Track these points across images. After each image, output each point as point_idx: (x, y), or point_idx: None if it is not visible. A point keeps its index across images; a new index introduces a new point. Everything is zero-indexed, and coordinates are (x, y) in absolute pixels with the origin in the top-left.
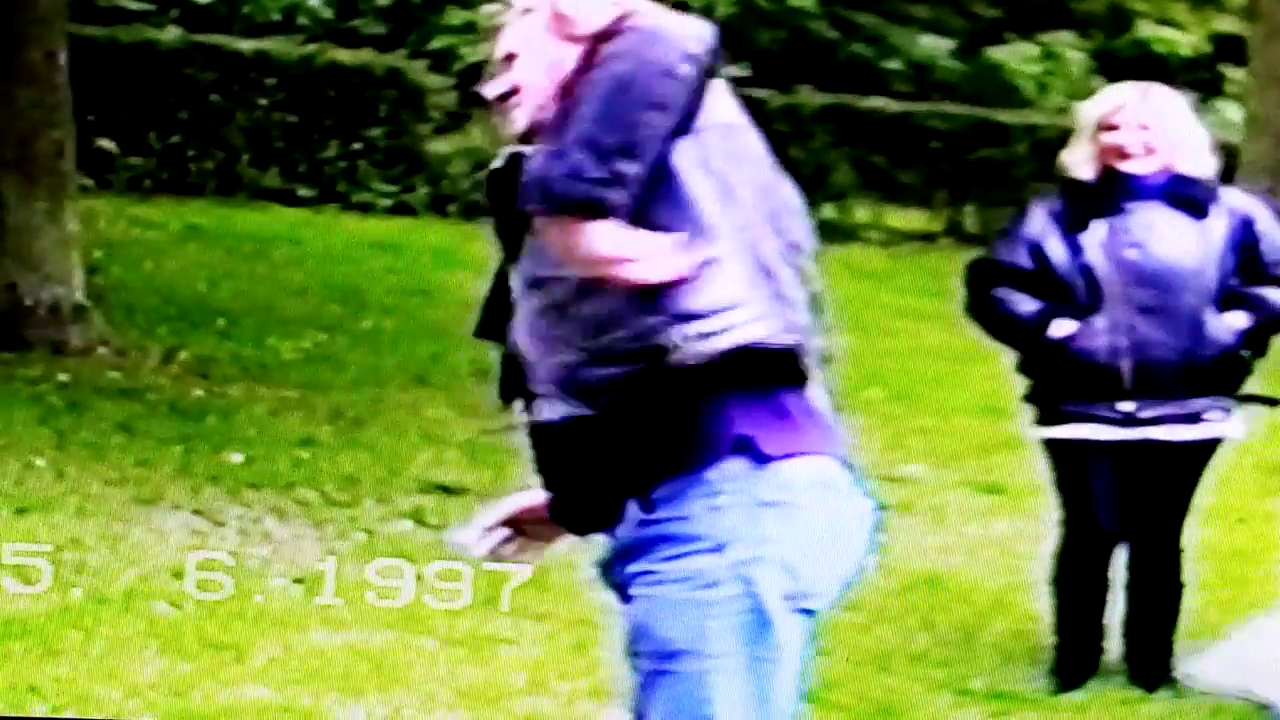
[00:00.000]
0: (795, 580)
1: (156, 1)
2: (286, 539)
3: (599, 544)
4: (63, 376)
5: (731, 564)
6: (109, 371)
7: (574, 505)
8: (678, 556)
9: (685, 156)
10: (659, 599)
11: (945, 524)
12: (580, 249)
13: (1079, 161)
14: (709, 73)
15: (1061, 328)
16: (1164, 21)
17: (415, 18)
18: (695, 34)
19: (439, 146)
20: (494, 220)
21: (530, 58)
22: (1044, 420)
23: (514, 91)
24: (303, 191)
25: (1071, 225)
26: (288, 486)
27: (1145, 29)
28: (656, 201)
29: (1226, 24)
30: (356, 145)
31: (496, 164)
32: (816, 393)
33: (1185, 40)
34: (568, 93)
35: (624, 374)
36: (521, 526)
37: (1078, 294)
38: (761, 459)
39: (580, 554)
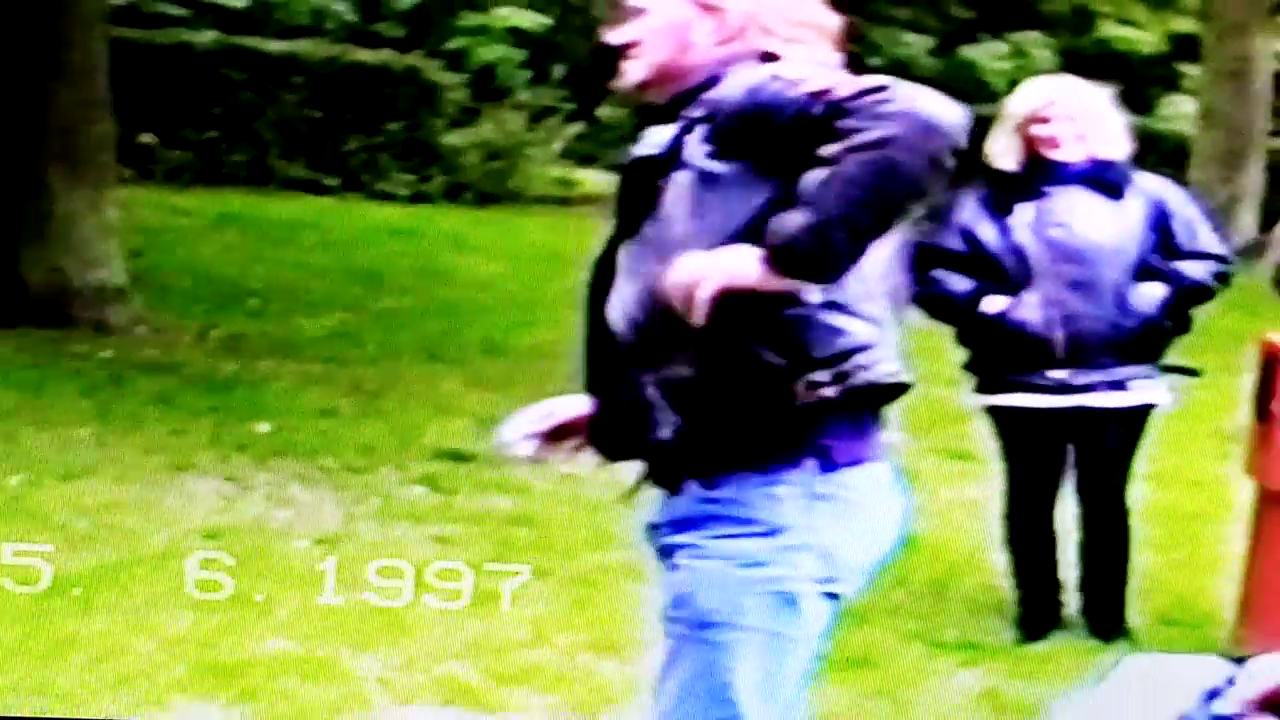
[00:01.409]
0: (830, 566)
1: (193, 7)
2: (309, 503)
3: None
4: (104, 353)
5: (778, 548)
6: (147, 348)
7: (627, 453)
8: (729, 536)
9: None
10: (703, 571)
11: (919, 488)
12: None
13: (1002, 152)
14: None
15: (994, 303)
16: (1125, 21)
17: (432, 21)
18: (960, 123)
19: (453, 139)
20: (622, 198)
21: (658, 16)
22: (984, 389)
23: (635, 44)
24: (328, 181)
25: (999, 209)
26: (311, 454)
27: (1107, 28)
28: None
29: (1183, 24)
30: (377, 138)
31: (648, 151)
32: None
33: (1144, 39)
34: (694, 68)
35: (733, 392)
36: (559, 431)
37: (1010, 272)
38: (831, 466)
39: (580, 515)
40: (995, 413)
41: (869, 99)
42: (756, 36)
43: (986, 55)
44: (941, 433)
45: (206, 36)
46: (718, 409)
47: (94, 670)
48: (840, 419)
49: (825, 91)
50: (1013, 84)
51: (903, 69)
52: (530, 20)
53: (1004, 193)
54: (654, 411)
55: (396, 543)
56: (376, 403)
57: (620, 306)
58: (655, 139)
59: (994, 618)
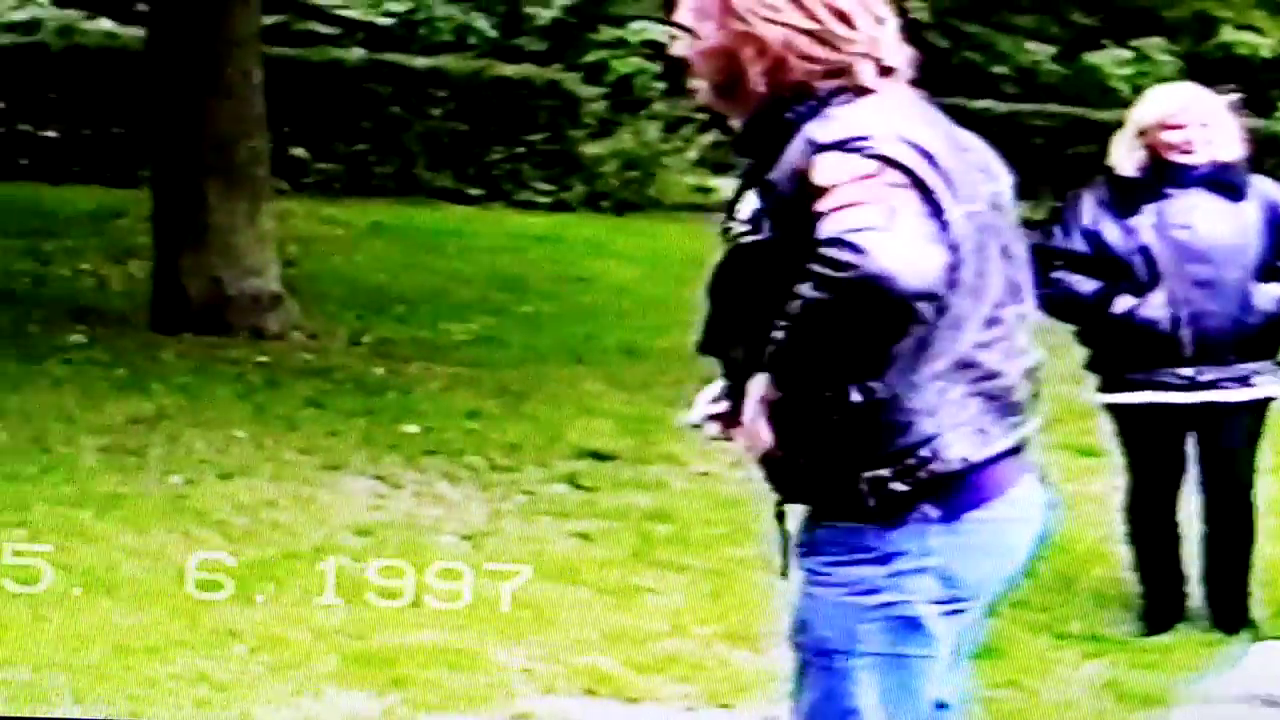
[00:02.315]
0: (950, 587)
1: (343, 25)
2: (457, 500)
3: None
4: (261, 358)
5: (891, 574)
6: (301, 353)
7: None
8: (845, 563)
9: None
10: (820, 598)
11: (1046, 482)
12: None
13: (1125, 156)
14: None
15: (1124, 303)
16: (1245, 26)
17: (572, 35)
18: (925, 279)
19: (592, 149)
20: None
21: (704, 40)
22: (1109, 387)
23: (690, 64)
24: (472, 191)
25: (1122, 211)
26: (458, 454)
27: (1228, 34)
28: None
29: None
30: (519, 149)
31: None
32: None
33: (1265, 43)
34: (751, 95)
35: (810, 478)
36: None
37: (1136, 272)
38: (947, 518)
39: (716, 511)
40: (1119, 409)
41: (833, 252)
42: (801, 66)
43: (1110, 61)
44: (1066, 428)
45: (355, 53)
46: (802, 487)
47: (252, 660)
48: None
49: (821, 218)
50: (1136, 90)
51: (1029, 76)
52: (664, 33)
53: (1126, 195)
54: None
55: (540, 538)
56: (521, 404)
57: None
58: (742, 211)
59: (1118, 610)
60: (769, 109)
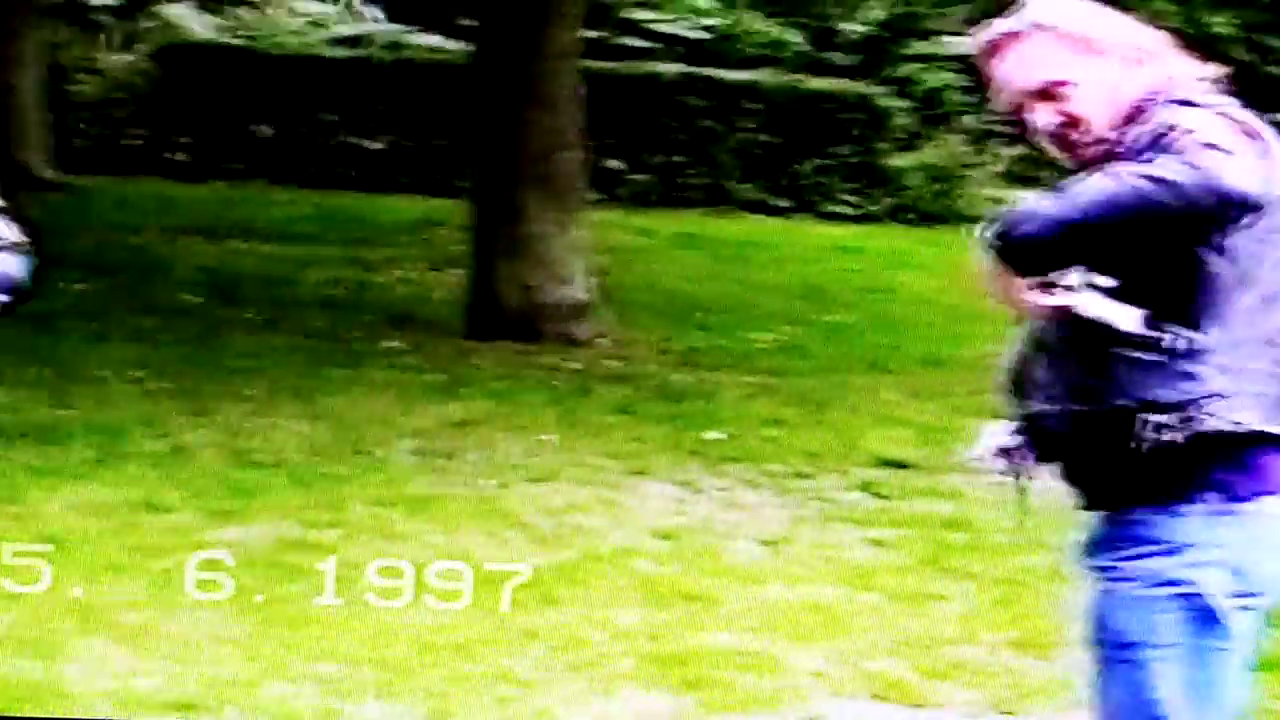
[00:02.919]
0: (1241, 581)
1: (659, 40)
2: (756, 506)
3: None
4: (571, 365)
5: (1184, 565)
6: (609, 360)
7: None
8: (1137, 556)
9: (1216, 251)
10: (1116, 593)
11: None
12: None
13: None
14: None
15: None
16: None
17: (881, 49)
18: (1252, 194)
19: (899, 162)
20: None
21: (1089, 84)
22: None
23: (1074, 122)
24: (780, 202)
25: None
26: (758, 460)
27: None
28: (1172, 285)
29: None
30: (827, 162)
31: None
32: None
33: None
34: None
35: (1090, 436)
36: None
37: None
38: (1234, 498)
39: (1003, 517)
40: None
41: (1176, 137)
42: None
43: None
44: None
45: (671, 68)
46: (1081, 450)
47: (552, 659)
48: (1238, 456)
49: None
50: None
51: None
52: (973, 47)
53: None
54: (1047, 445)
55: (837, 545)
56: (821, 412)
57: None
58: None
59: None
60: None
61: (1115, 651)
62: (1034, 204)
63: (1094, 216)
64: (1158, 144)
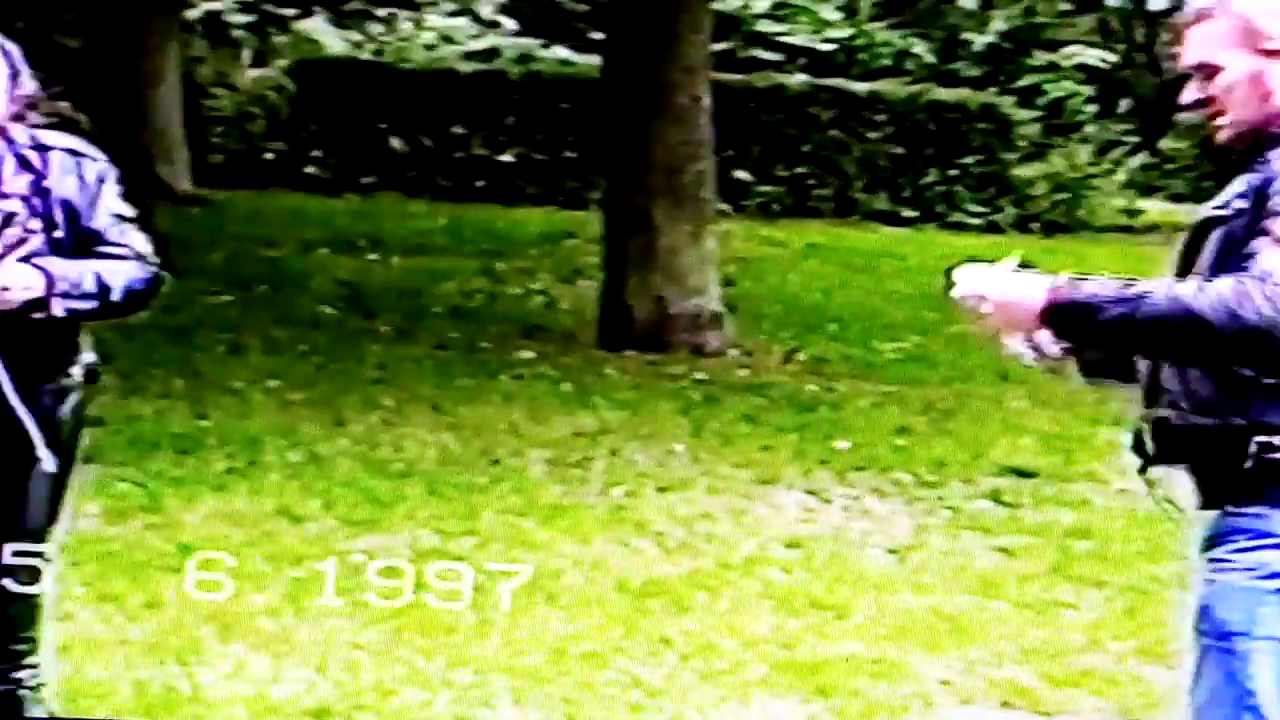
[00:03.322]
0: None
1: (786, 52)
2: (884, 515)
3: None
4: (699, 375)
5: None
6: (738, 370)
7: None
8: (1248, 549)
9: None
10: (1223, 584)
11: None
12: None
13: None
14: None
15: None
16: None
17: (1006, 59)
18: None
19: (1024, 172)
20: (1182, 250)
21: (1233, 72)
22: None
23: (1214, 102)
24: (905, 213)
25: None
26: (885, 469)
27: None
28: None
29: None
30: (952, 172)
31: (1208, 210)
32: None
33: None
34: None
35: (1203, 443)
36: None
37: None
38: None
39: (1135, 528)
40: None
41: (1250, 286)
42: None
43: None
44: None
45: (797, 79)
46: (1199, 457)
47: (684, 667)
48: None
49: (1263, 237)
50: None
51: None
52: (1097, 57)
53: None
54: (1171, 448)
55: (963, 553)
56: (948, 421)
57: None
58: (1220, 197)
59: None
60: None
61: (1216, 641)
62: (1138, 291)
63: (1213, 328)
64: None
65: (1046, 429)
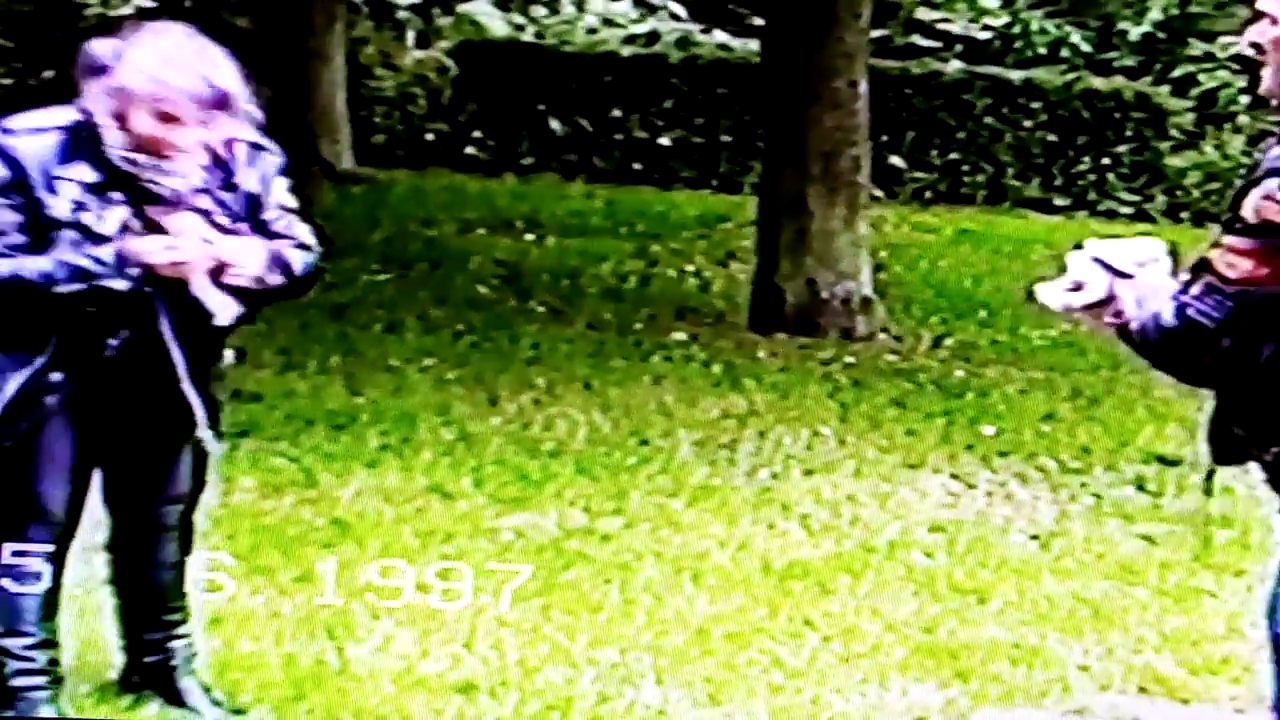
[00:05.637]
0: None
1: (943, 39)
2: (1027, 500)
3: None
4: (849, 359)
5: None
6: (887, 355)
7: None
8: None
9: None
10: None
11: None
12: None
13: None
14: None
15: None
16: None
17: (1161, 49)
18: None
19: (1177, 161)
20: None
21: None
22: None
23: (1263, 51)
24: (1058, 200)
25: None
26: (1030, 455)
27: None
28: None
29: None
30: (1105, 160)
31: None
32: None
33: None
34: None
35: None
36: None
37: None
38: None
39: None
40: None
41: None
42: None
43: None
44: None
45: (953, 66)
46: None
47: (824, 649)
48: None
49: None
50: None
51: None
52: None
53: None
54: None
55: (1107, 540)
56: (1094, 408)
57: None
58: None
59: None
60: None
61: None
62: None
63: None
64: None
65: (1192, 417)
